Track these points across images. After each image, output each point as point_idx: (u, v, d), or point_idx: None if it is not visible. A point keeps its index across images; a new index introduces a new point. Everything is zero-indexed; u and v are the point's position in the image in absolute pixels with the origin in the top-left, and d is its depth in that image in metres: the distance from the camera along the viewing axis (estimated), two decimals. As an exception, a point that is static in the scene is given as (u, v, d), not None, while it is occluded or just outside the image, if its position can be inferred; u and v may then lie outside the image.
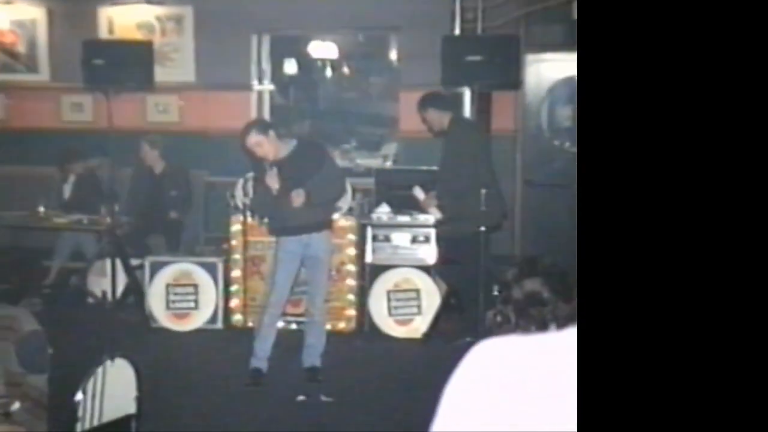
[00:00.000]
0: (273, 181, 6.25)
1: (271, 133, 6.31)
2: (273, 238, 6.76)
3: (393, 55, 10.63)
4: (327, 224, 6.56)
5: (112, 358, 3.96)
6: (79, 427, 3.76)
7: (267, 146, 6.27)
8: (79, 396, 3.77)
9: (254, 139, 6.27)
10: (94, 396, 3.84)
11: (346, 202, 7.63)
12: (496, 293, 7.76)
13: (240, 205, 7.78)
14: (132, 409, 4.10)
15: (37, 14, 10.59)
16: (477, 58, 7.38)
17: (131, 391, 4.09)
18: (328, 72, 12.41)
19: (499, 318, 2.66)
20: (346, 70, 12.67)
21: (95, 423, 3.85)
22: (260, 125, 6.50)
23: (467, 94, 8.37)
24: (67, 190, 9.30)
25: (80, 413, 3.77)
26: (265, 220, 7.04)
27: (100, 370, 3.88)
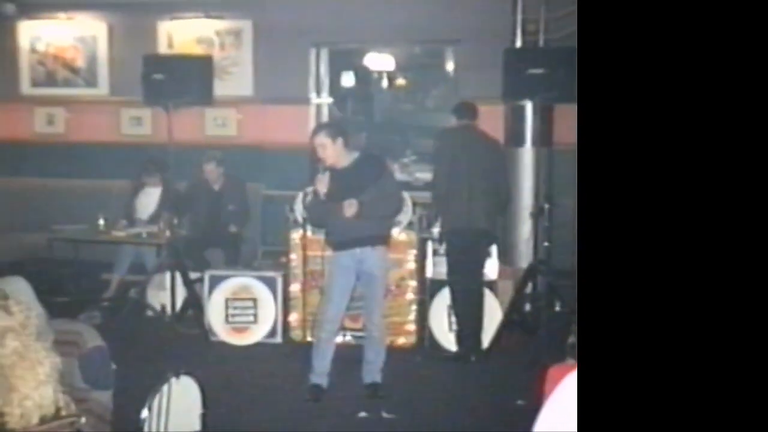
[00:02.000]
0: (322, 185, 6.27)
1: (339, 140, 6.31)
2: (331, 252, 6.72)
3: (449, 67, 10.57)
4: (382, 240, 6.48)
5: (177, 376, 3.92)
6: (144, 444, 3.72)
7: (329, 151, 6.28)
8: (144, 413, 3.73)
9: (320, 140, 6.31)
10: (159, 413, 3.81)
11: (406, 216, 7.58)
12: (557, 309, 7.72)
13: (300, 218, 7.74)
14: (197, 426, 4.07)
15: (98, 30, 10.75)
16: (539, 70, 7.32)
17: (196, 408, 4.06)
18: (384, 84, 12.41)
19: (575, 339, 2.57)
20: (402, 81, 12.66)
21: (161, 440, 3.81)
22: (331, 129, 6.50)
23: (529, 106, 8.27)
24: (146, 202, 9.32)
25: (146, 430, 3.73)
26: (316, 230, 7.09)
27: (165, 387, 3.84)
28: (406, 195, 7.43)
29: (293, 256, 7.84)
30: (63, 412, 3.30)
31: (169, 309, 8.03)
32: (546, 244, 7.68)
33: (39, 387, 3.26)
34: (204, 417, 4.11)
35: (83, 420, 3.83)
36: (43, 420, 3.24)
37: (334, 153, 6.29)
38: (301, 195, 7.78)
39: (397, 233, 7.35)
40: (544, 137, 8.17)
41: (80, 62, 10.86)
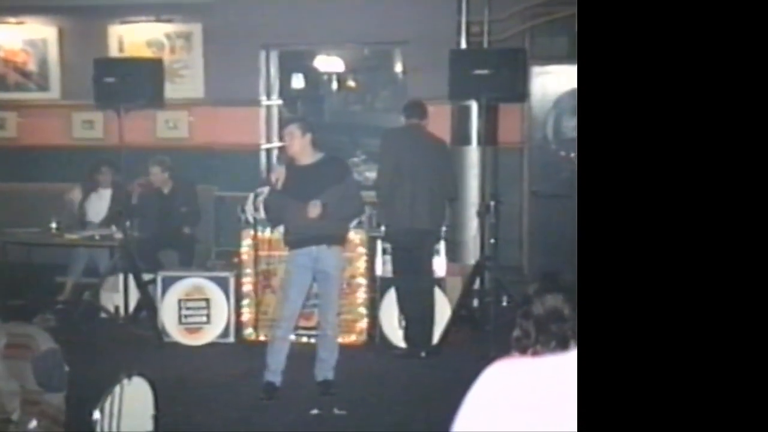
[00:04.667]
0: (276, 177, 6.47)
1: (308, 136, 6.47)
2: (284, 252, 6.84)
3: (398, 68, 10.70)
4: (338, 239, 6.59)
5: (129, 377, 4.00)
6: (96, 445, 3.80)
7: (296, 142, 6.44)
8: (96, 415, 3.80)
9: (290, 129, 6.50)
10: (111, 415, 3.88)
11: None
12: (505, 304, 7.87)
13: (251, 219, 7.84)
14: (149, 427, 4.14)
15: (48, 33, 10.73)
16: (484, 71, 7.48)
17: (148, 409, 4.13)
18: (334, 85, 12.52)
19: (519, 332, 2.67)
20: (351, 83, 12.77)
21: (113, 441, 3.89)
22: (303, 123, 6.62)
23: (474, 106, 8.44)
24: (98, 205, 9.36)
25: (98, 432, 3.81)
26: (277, 229, 7.20)
27: (117, 388, 3.92)
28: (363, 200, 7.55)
29: (245, 256, 7.95)
30: None
31: (122, 311, 8.09)
32: (492, 240, 7.86)
33: None
34: (156, 418, 4.19)
35: (34, 423, 3.93)
36: None
37: (300, 146, 6.44)
38: (252, 195, 7.89)
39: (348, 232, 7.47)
40: (489, 136, 8.33)
41: (31, 66, 10.83)
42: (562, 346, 2.39)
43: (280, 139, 6.64)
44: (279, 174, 6.46)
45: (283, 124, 6.73)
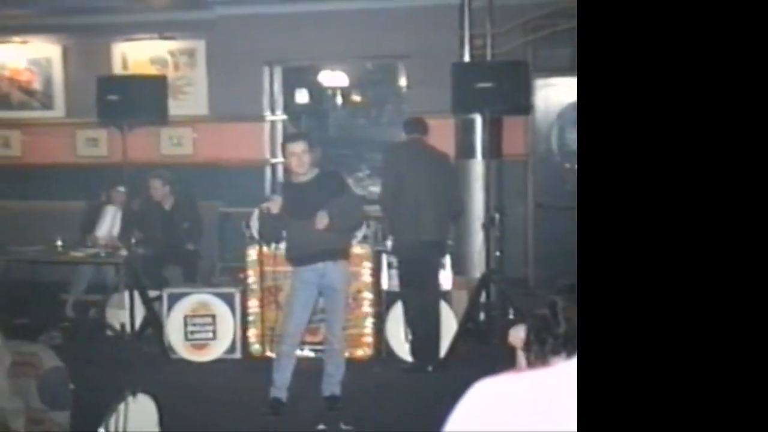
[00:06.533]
0: (274, 206, 6.36)
1: (312, 153, 6.46)
2: (289, 268, 6.81)
3: (402, 82, 10.72)
4: (343, 254, 6.58)
5: (134, 394, 4.00)
6: (102, 462, 3.80)
7: (305, 159, 6.36)
8: (101, 432, 3.81)
9: (301, 147, 6.38)
10: None
11: (361, 229, 7.69)
12: (511, 316, 7.84)
13: (256, 235, 7.83)
14: (154, 443, 4.14)
15: (52, 52, 10.80)
16: (487, 84, 7.49)
17: (153, 426, 4.13)
18: (339, 100, 12.54)
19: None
20: (357, 97, 12.79)
21: (118, 458, 3.88)
22: (309, 139, 6.56)
23: (478, 119, 8.43)
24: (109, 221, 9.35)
25: (103, 449, 3.81)
26: (278, 246, 7.17)
27: (122, 406, 3.91)
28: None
29: (250, 271, 7.94)
30: None
31: (128, 328, 8.07)
32: (498, 253, 7.85)
33: None
34: (161, 435, 4.19)
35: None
36: None
37: (308, 163, 6.39)
38: (257, 211, 7.87)
39: (353, 246, 7.46)
40: (493, 149, 8.31)
41: (36, 85, 10.90)
42: (554, 352, 2.37)
43: (285, 154, 6.52)
44: (276, 202, 6.38)
45: (287, 140, 6.62)
